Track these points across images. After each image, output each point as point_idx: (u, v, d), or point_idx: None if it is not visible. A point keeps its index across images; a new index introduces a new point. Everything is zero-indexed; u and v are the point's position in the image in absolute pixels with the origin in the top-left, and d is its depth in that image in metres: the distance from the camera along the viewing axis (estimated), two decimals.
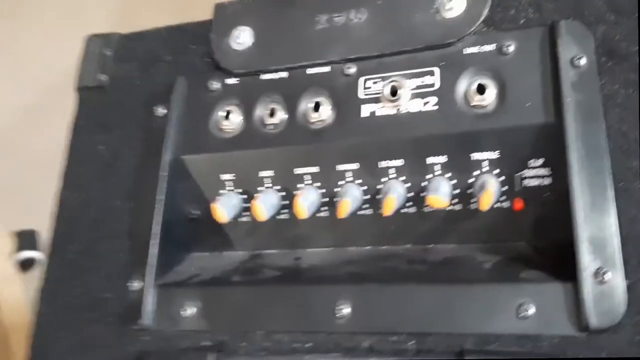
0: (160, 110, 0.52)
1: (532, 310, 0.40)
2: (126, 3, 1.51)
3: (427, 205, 0.47)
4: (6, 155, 1.43)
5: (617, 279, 0.39)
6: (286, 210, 0.50)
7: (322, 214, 0.49)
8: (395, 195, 0.46)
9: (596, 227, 0.40)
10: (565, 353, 0.38)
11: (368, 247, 0.50)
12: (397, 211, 0.47)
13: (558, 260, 0.41)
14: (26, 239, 1.43)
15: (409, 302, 0.43)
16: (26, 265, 1.38)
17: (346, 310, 0.44)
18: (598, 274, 0.39)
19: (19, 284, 1.33)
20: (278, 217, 0.50)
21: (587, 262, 0.39)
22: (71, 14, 1.52)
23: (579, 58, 0.43)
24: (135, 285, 0.48)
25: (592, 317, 0.39)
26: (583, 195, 0.40)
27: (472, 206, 0.46)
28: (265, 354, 0.44)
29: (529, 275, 0.42)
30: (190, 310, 0.47)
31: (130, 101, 0.55)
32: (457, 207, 0.47)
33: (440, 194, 0.44)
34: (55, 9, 1.55)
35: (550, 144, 0.43)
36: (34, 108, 1.46)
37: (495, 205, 0.46)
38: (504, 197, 0.46)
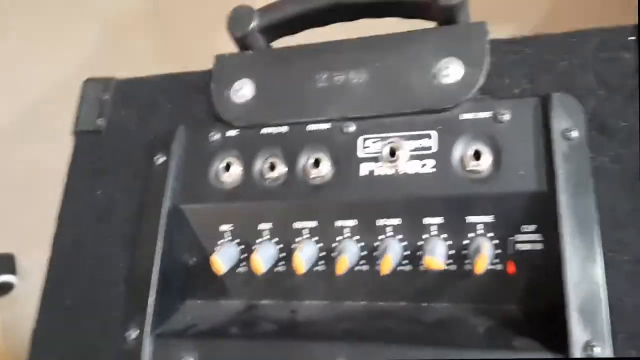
0: (160, 158, 0.51)
1: None
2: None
3: (422, 265, 0.46)
4: None
5: (605, 354, 0.39)
6: (283, 263, 0.49)
7: (319, 268, 0.49)
8: (392, 254, 0.46)
9: (586, 298, 0.40)
10: None
11: (363, 303, 0.49)
12: (393, 269, 0.47)
13: (549, 328, 0.41)
14: (3, 262, 1.39)
15: None
16: (2, 289, 1.34)
17: None
18: (587, 347, 0.39)
19: None
20: (275, 269, 0.50)
21: (577, 335, 0.40)
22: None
23: (571, 131, 0.44)
24: (133, 334, 0.47)
25: None
26: (573, 265, 0.41)
27: (467, 267, 0.46)
28: None
29: (521, 344, 0.42)
30: None
31: (127, 147, 0.54)
32: (452, 268, 0.47)
33: (437, 256, 0.45)
34: None
35: (542, 212, 0.43)
36: (6, 128, 1.42)
37: (489, 268, 0.46)
38: (497, 260, 0.46)
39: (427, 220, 0.46)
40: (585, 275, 0.41)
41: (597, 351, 0.39)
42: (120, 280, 0.50)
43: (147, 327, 0.47)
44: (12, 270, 1.38)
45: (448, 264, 0.47)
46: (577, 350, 0.39)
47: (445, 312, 0.47)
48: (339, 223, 0.48)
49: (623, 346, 0.39)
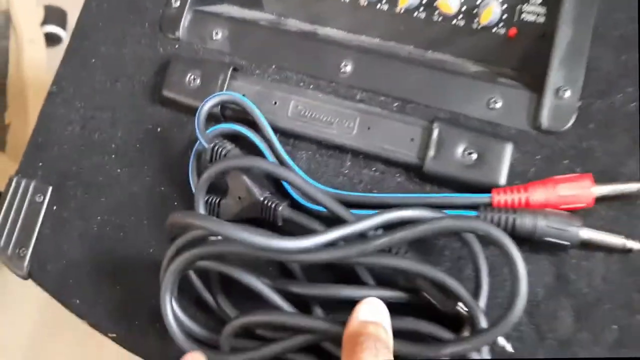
0: None
1: (499, 104, 0.41)
2: None
3: (435, 14, 0.46)
4: None
5: (573, 98, 0.40)
6: None
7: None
8: None
9: (570, 55, 0.41)
10: (517, 142, 0.39)
11: (377, 40, 0.49)
12: (410, 13, 0.47)
13: (533, 78, 0.42)
14: (55, 14, 1.36)
15: (401, 74, 0.43)
16: (52, 39, 1.30)
17: (349, 67, 0.44)
18: (559, 90, 0.40)
19: (44, 50, 1.27)
20: None
21: (553, 79, 0.40)
22: None
23: None
24: (177, 2, 0.47)
25: (545, 121, 0.40)
26: (567, 30, 0.41)
27: (474, 25, 0.46)
28: (274, 82, 0.44)
29: (505, 81, 0.42)
30: (218, 34, 0.46)
31: None
32: (461, 23, 0.46)
33: (450, 1, 0.44)
34: None
35: None
36: None
37: (493, 30, 0.46)
38: (502, 24, 0.45)
39: None
40: (573, 44, 0.41)
41: (567, 94, 0.39)
42: None
43: (189, 2, 0.47)
44: (62, 24, 1.36)
45: (458, 18, 0.46)
46: (550, 91, 0.40)
47: (446, 58, 0.47)
48: None
49: (588, 97, 0.40)
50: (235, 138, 0.42)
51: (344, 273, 0.39)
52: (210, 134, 0.41)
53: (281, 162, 0.42)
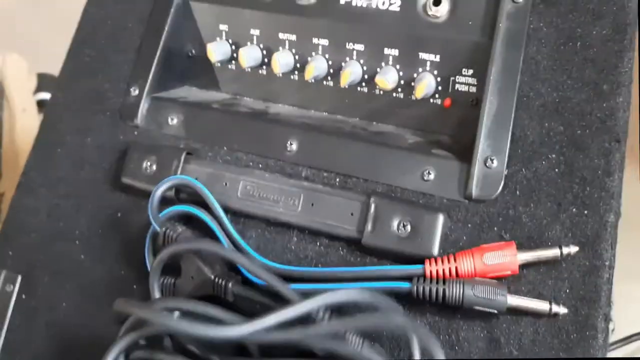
0: None
1: (432, 176, 0.45)
2: None
3: (377, 88, 0.50)
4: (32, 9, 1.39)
5: (500, 167, 0.43)
6: (265, 67, 0.53)
7: (293, 77, 0.53)
8: (351, 70, 0.49)
9: (496, 126, 0.44)
10: (450, 211, 0.43)
11: (325, 113, 0.53)
12: (354, 88, 0.51)
13: (464, 149, 0.45)
14: (47, 81, 1.41)
15: (343, 150, 0.47)
16: (44, 106, 1.35)
17: (294, 146, 0.48)
18: (487, 160, 0.43)
19: (36, 118, 1.32)
20: (259, 71, 0.53)
21: (481, 149, 0.44)
22: None
23: None
24: (134, 92, 0.51)
25: (475, 190, 0.43)
26: (492, 101, 0.45)
27: (413, 97, 0.50)
28: (225, 164, 0.48)
29: (438, 152, 0.46)
30: (174, 120, 0.50)
31: None
32: (400, 95, 0.50)
33: (387, 78, 0.48)
34: None
35: (480, 59, 0.46)
36: None
37: (431, 100, 0.50)
38: (438, 96, 0.49)
39: (386, 51, 0.49)
40: (499, 112, 0.44)
41: (495, 164, 0.43)
42: (133, 49, 0.53)
43: (146, 89, 0.51)
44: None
45: (398, 91, 0.50)
46: (479, 161, 0.43)
47: (388, 129, 0.51)
48: (315, 40, 0.51)
49: (514, 166, 0.44)
50: (191, 218, 0.46)
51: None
52: (164, 217, 0.45)
53: (232, 241, 0.45)
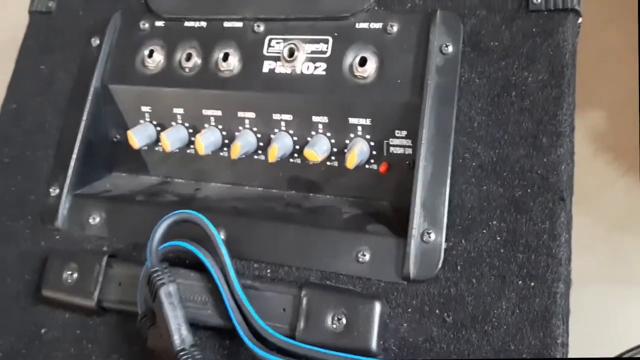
0: (95, 41, 0.55)
1: (367, 257, 0.45)
2: None
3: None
4: None
5: (438, 241, 0.43)
6: (192, 146, 0.54)
7: (223, 154, 0.53)
8: (279, 145, 0.50)
9: (431, 195, 0.44)
10: (388, 296, 0.43)
11: (260, 189, 0.54)
12: (286, 160, 0.52)
13: (401, 219, 0.45)
14: None
15: (272, 237, 0.48)
16: None
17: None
18: (424, 234, 0.43)
19: None
20: (187, 150, 0.54)
21: (417, 223, 0.44)
22: None
23: (447, 45, 0.46)
24: (54, 192, 0.52)
25: (413, 270, 0.43)
26: (426, 167, 0.45)
27: (346, 165, 0.50)
28: None
29: (373, 229, 0.46)
30: (96, 219, 0.51)
31: (72, 29, 0.58)
32: (335, 164, 0.51)
33: (315, 150, 0.49)
34: None
35: (412, 119, 0.46)
36: None
37: (366, 166, 0.50)
38: (372, 161, 0.50)
39: (315, 119, 0.50)
40: (434, 176, 0.44)
41: (432, 237, 0.43)
42: (52, 145, 0.55)
43: (66, 187, 0.53)
44: None
45: (332, 160, 0.50)
46: (415, 236, 0.43)
47: (324, 201, 0.51)
48: (240, 114, 0.51)
49: (454, 237, 0.44)
50: None
51: None
52: (162, 251, 0.46)
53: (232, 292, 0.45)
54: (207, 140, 0.52)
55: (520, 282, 0.42)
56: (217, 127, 0.53)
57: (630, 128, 0.69)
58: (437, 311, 0.43)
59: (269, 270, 0.47)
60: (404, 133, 0.48)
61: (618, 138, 0.69)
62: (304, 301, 0.44)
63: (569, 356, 0.41)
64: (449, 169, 0.45)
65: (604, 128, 0.69)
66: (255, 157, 0.53)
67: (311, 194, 0.53)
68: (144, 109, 0.55)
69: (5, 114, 0.58)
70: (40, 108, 0.57)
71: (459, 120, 0.46)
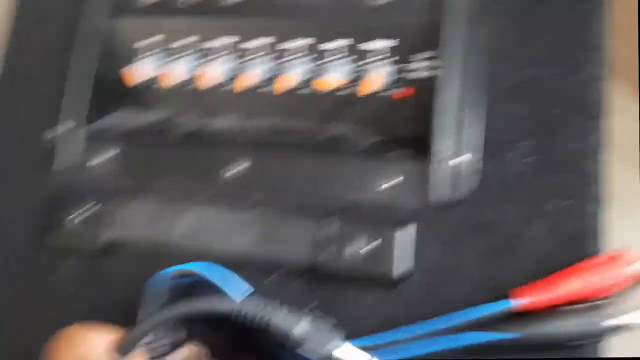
0: None
1: (396, 182, 0.45)
2: None
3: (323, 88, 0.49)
4: None
5: (466, 163, 0.44)
6: (197, 80, 0.53)
7: (228, 87, 0.52)
8: (289, 74, 0.49)
9: (458, 117, 0.44)
10: (416, 221, 0.43)
11: (272, 121, 0.53)
12: (296, 91, 0.51)
13: (426, 144, 0.45)
14: None
15: (291, 168, 0.48)
16: None
17: (243, 166, 0.48)
18: (451, 157, 0.44)
19: None
20: (191, 85, 0.53)
21: (443, 146, 0.43)
22: None
23: None
24: (66, 126, 0.52)
25: (440, 193, 0.44)
26: (452, 88, 0.44)
27: (363, 93, 0.49)
28: (167, 201, 0.48)
29: (397, 155, 0.45)
30: (106, 155, 0.51)
31: None
32: (349, 91, 0.50)
33: (330, 77, 0.48)
34: None
35: (434, 40, 0.46)
36: None
37: (385, 94, 0.49)
38: (392, 86, 0.49)
39: (329, 45, 0.49)
40: (460, 98, 0.44)
41: (459, 160, 0.43)
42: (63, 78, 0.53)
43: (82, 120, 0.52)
44: None
45: (344, 89, 0.49)
46: (441, 160, 0.44)
47: (339, 130, 0.50)
48: (246, 44, 0.51)
49: (483, 157, 0.44)
50: None
51: None
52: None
53: None
54: (212, 72, 0.51)
55: (553, 202, 0.42)
56: (221, 58, 0.52)
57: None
58: (467, 236, 0.43)
59: (292, 201, 0.46)
60: (425, 55, 0.48)
61: None
62: (332, 228, 0.44)
63: None
64: (476, 89, 0.44)
65: None
66: (263, 89, 0.52)
67: (325, 124, 0.52)
68: (145, 41, 0.54)
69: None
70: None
71: (486, 38, 0.45)
